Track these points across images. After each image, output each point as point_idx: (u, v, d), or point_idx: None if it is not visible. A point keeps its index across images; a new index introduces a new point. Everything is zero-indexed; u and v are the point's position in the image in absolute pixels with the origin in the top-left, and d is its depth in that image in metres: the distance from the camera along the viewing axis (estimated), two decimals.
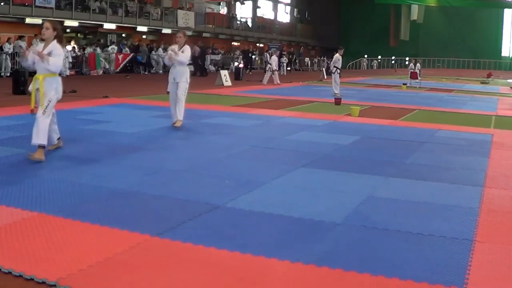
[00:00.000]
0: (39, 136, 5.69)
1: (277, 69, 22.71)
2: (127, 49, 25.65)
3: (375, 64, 53.16)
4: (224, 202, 4.40)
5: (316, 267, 3.14)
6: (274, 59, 22.25)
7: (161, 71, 26.17)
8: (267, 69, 22.46)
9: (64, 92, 14.77)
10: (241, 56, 32.91)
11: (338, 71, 16.94)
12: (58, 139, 6.39)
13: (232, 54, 34.84)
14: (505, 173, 6.06)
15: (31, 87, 6.01)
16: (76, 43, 25.22)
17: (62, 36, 6.07)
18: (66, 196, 4.40)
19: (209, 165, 5.85)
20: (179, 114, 8.55)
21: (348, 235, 3.77)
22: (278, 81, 21.65)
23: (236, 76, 24.07)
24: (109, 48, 25.23)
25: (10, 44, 19.88)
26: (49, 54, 5.88)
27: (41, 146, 5.70)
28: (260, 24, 43.54)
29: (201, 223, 3.90)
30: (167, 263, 3.12)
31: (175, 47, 8.73)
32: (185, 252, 3.31)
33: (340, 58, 17.25)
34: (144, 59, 26.15)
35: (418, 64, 24.82)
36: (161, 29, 30.81)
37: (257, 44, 41.88)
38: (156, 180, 5.10)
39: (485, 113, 13.20)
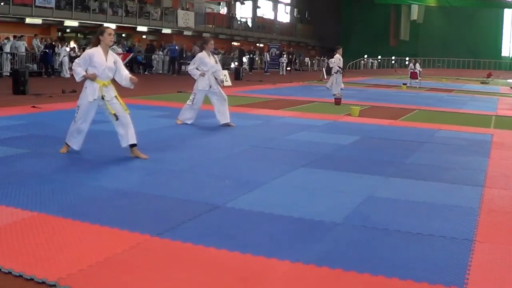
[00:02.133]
0: (134, 136, 6.04)
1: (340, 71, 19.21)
2: (119, 49, 25.57)
3: (375, 64, 53.13)
4: (224, 202, 4.40)
5: (316, 267, 3.14)
6: (337, 59, 18.31)
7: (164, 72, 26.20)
8: (333, 72, 18.96)
9: (63, 92, 14.69)
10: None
11: (341, 71, 16.96)
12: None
13: (232, 54, 34.83)
14: (505, 173, 6.06)
15: (97, 94, 5.90)
16: (76, 43, 25.22)
17: None
18: (66, 196, 4.40)
19: (209, 165, 5.85)
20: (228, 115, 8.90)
21: (348, 235, 3.77)
22: (341, 86, 18.37)
23: (236, 76, 24.06)
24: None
25: (8, 43, 19.88)
26: (115, 62, 6.01)
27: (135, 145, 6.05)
28: (260, 24, 43.53)
29: (201, 223, 3.90)
30: (167, 263, 3.12)
31: (203, 55, 8.79)
32: (185, 252, 3.31)
33: (341, 58, 17.27)
34: (144, 59, 26.15)
35: (417, 64, 24.83)
36: (161, 29, 30.81)
37: (257, 44, 41.87)
38: (157, 180, 5.10)
39: (485, 113, 13.19)
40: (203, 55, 8.77)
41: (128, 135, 6.02)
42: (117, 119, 5.96)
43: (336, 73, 16.98)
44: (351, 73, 35.91)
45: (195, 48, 26.21)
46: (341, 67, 17.11)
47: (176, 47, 26.50)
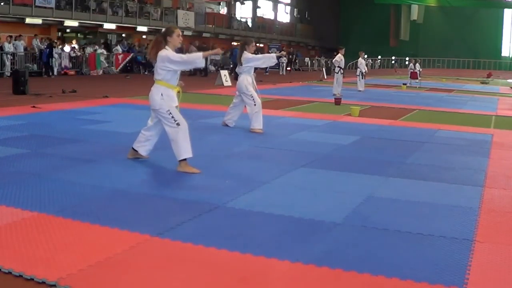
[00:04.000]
0: (177, 151, 5.46)
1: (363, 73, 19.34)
2: (118, 47, 25.60)
3: (376, 64, 53.06)
4: (224, 202, 4.40)
5: (316, 267, 3.14)
6: (361, 62, 19.40)
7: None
8: (357, 73, 19.56)
9: (63, 92, 14.71)
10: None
11: (342, 71, 16.98)
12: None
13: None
14: (505, 173, 6.06)
15: (177, 101, 5.56)
16: (77, 42, 25.22)
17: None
18: (66, 196, 4.40)
19: (209, 165, 5.85)
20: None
21: (348, 235, 3.77)
22: (361, 89, 19.12)
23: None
24: (113, 50, 25.31)
25: (10, 43, 19.87)
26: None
27: (181, 160, 5.44)
28: (260, 24, 43.51)
29: (201, 223, 3.90)
30: (167, 263, 3.12)
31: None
32: (185, 252, 3.31)
33: (342, 58, 17.31)
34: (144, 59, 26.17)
35: (417, 64, 24.82)
36: (161, 29, 30.76)
37: (257, 44, 41.86)
38: (156, 180, 5.10)
39: (485, 113, 13.19)
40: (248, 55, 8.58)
41: (149, 146, 5.81)
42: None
43: (337, 73, 16.99)
44: (351, 73, 35.91)
45: (192, 48, 26.24)
46: (342, 67, 17.10)
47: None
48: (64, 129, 7.92)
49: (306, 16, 53.82)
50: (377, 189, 5.09)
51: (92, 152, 6.28)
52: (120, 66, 24.87)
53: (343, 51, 17.47)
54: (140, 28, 29.32)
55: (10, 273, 2.88)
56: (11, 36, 20.13)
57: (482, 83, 30.44)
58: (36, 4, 22.13)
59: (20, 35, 20.73)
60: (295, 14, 52.80)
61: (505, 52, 55.69)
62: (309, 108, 12.63)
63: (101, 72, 23.37)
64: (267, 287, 2.90)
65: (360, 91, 19.05)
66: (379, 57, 53.41)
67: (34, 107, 10.20)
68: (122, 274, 2.95)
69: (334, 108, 12.90)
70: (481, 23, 53.33)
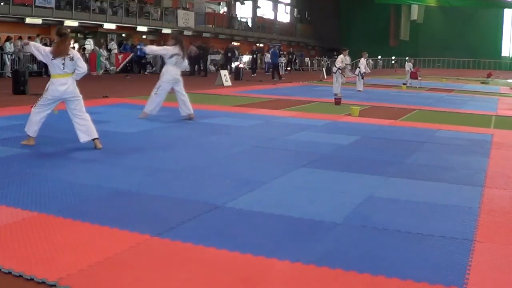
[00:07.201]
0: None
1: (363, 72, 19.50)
2: (116, 46, 25.66)
3: (375, 64, 53.01)
4: (224, 202, 4.40)
5: (316, 267, 3.14)
6: (362, 62, 19.68)
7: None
8: (356, 73, 19.78)
9: None
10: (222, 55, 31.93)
11: (341, 71, 17.03)
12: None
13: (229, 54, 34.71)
14: (505, 173, 6.06)
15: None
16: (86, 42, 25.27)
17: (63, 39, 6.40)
18: (66, 196, 4.40)
19: (209, 165, 5.85)
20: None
21: (348, 235, 3.77)
22: (360, 89, 19.20)
23: (236, 76, 24.05)
24: (113, 50, 25.34)
25: (11, 43, 19.87)
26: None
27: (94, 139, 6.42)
28: (260, 24, 43.50)
29: (201, 223, 3.90)
30: (167, 263, 3.12)
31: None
32: (185, 252, 3.31)
33: (343, 59, 17.40)
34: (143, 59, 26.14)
35: (410, 64, 24.84)
36: (161, 29, 30.80)
37: (257, 44, 41.88)
38: (156, 180, 5.10)
39: (485, 113, 13.19)
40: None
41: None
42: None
43: (335, 73, 17.05)
44: (350, 73, 35.88)
45: (191, 48, 26.26)
46: (340, 67, 17.12)
47: (143, 47, 26.56)
48: (64, 129, 7.91)
49: (306, 16, 53.81)
50: (377, 189, 5.09)
51: (92, 152, 6.28)
52: (120, 66, 24.86)
53: (346, 52, 17.59)
54: (140, 28, 29.32)
55: (10, 273, 2.88)
56: (20, 37, 20.10)
57: (482, 83, 30.43)
58: (36, 4, 22.12)
59: (29, 36, 20.73)
60: (295, 14, 52.80)
61: (505, 52, 55.65)
62: (309, 108, 12.63)
63: (101, 72, 23.35)
64: (267, 287, 2.90)
65: (359, 91, 19.07)
66: (379, 57, 53.39)
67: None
68: (122, 274, 2.95)
69: (334, 108, 12.90)
70: (481, 23, 53.29)
